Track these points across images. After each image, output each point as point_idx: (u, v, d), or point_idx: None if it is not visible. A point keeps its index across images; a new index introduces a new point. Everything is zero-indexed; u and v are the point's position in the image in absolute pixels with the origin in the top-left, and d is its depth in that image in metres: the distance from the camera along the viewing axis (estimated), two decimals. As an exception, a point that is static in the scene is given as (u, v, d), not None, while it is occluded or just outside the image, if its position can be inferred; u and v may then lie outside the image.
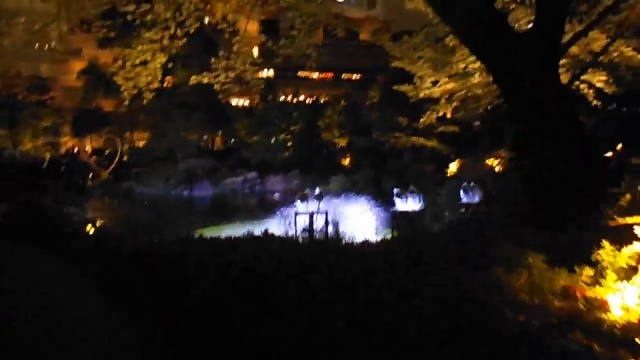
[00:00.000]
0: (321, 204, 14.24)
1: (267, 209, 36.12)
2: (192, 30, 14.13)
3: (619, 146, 19.16)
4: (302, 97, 64.98)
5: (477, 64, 21.97)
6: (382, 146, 34.40)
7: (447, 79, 24.43)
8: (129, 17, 13.33)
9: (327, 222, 14.15)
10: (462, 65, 21.73)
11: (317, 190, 14.95)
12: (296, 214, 14.31)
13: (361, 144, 35.74)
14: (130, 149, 57.43)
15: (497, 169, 24.71)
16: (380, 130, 33.67)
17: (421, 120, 31.92)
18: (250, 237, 9.20)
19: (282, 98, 66.38)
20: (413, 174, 31.22)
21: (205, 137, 58.14)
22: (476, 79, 22.39)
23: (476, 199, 15.53)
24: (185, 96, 54.25)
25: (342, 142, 48.13)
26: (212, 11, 14.85)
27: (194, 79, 15.61)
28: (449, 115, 29.74)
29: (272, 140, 54.09)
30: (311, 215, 14.26)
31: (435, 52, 23.08)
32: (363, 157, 36.97)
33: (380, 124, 34.36)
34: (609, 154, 19.52)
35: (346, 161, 47.35)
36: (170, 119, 50.75)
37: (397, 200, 14.70)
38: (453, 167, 30.83)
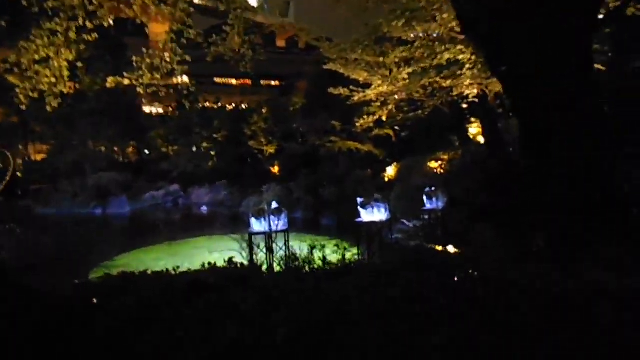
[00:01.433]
0: (281, 221, 12.29)
1: (196, 225, 33.12)
2: (105, 23, 11.66)
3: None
4: (220, 104, 61.86)
5: (411, 69, 21.67)
6: (317, 152, 33.08)
7: (380, 81, 23.80)
8: (24, 2, 10.54)
9: (287, 243, 12.26)
10: (397, 69, 21.26)
11: (275, 204, 12.97)
12: (251, 234, 12.23)
13: (294, 150, 34.13)
14: (26, 163, 50.42)
15: (438, 171, 24.42)
16: (315, 135, 32.38)
17: (358, 123, 31.19)
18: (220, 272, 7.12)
19: (201, 105, 62.68)
20: (352, 181, 30.19)
21: (116, 148, 52.73)
22: (413, 82, 21.96)
23: (440, 205, 14.52)
24: (92, 103, 48.81)
25: (270, 149, 46.11)
26: (121, 9, 12.43)
27: (111, 81, 12.84)
28: (384, 119, 29.18)
29: (194, 149, 50.49)
30: (270, 235, 12.27)
31: (373, 53, 22.37)
32: (296, 164, 35.33)
33: (313, 129, 33.08)
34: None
35: (275, 169, 45.46)
36: (74, 128, 45.14)
37: (362, 211, 13.18)
38: (390, 171, 30.34)
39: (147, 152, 58.47)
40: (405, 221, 19.82)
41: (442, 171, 23.79)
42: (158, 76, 13.07)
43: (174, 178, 44.99)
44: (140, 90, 13.14)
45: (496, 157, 20.20)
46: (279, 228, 12.37)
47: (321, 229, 27.07)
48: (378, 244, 13.64)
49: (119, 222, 34.14)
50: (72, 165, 40.24)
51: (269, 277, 8.46)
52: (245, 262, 9.64)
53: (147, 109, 75.27)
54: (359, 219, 13.64)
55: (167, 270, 7.45)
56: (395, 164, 30.22)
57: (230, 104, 59.36)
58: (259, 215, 12.29)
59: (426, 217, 15.20)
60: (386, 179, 30.03)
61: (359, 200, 13.52)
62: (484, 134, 21.79)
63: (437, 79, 20.73)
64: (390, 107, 28.85)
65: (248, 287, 5.99)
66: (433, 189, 14.76)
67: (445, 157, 24.58)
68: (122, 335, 3.45)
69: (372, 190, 28.98)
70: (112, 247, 25.08)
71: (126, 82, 12.72)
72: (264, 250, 12.53)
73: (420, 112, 27.54)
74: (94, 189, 37.00)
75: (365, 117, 29.78)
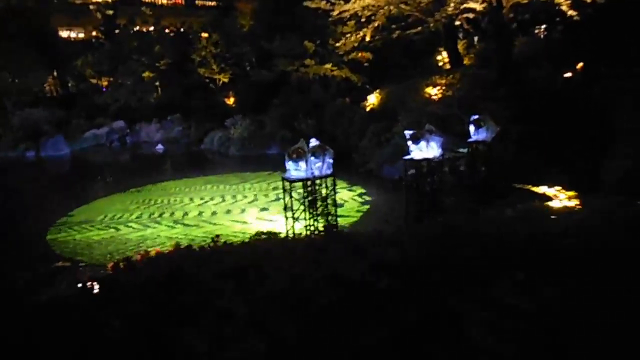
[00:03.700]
0: (325, 163, 9.63)
1: (153, 165, 28.94)
2: None
3: (580, 65, 17.92)
4: (157, 27, 54.23)
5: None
6: (287, 78, 29.49)
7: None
8: None
9: (334, 192, 9.81)
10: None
11: (314, 141, 10.20)
12: (290, 180, 9.57)
13: (261, 77, 30.18)
14: None
15: (437, 97, 22.33)
16: (285, 59, 28.49)
17: (339, 44, 27.79)
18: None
19: (136, 28, 54.57)
20: (330, 111, 27.43)
21: (44, 79, 44.98)
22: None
23: (488, 136, 12.48)
24: (-2, 25, 40.51)
25: (224, 78, 41.50)
26: None
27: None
28: (368, 38, 26.13)
29: (129, 82, 43.98)
30: (313, 181, 9.68)
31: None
32: (261, 93, 31.61)
33: (282, 52, 29.06)
34: (569, 74, 18.21)
35: (231, 100, 41.28)
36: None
37: (411, 146, 10.82)
38: (373, 99, 27.84)
39: (70, 84, 50.81)
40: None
41: (439, 96, 21.70)
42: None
43: (113, 113, 39.44)
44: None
45: (508, 82, 18.37)
46: (323, 172, 9.76)
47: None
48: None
49: (58, 167, 29.29)
50: (-12, 101, 33.53)
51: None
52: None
53: (64, 34, 65.19)
54: (408, 156, 11.28)
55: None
56: (378, 91, 27.67)
57: (170, 26, 52.12)
58: (298, 156, 9.54)
59: (466, 150, 13.09)
60: (367, 108, 27.58)
61: (408, 132, 11.08)
62: (496, 54, 19.67)
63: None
64: (377, 23, 25.76)
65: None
66: (478, 117, 12.56)
67: (442, 81, 22.38)
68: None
69: (352, 121, 26.59)
70: (61, 199, 21.05)
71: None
72: (302, 201, 9.97)
73: (408, 31, 24.79)
74: (21, 129, 31.25)
75: (348, 36, 26.51)
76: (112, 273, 6.20)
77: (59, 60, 49.03)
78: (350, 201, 17.25)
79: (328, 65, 28.39)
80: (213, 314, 3.74)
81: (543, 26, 24.43)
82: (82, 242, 14.46)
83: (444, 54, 29.26)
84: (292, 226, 9.85)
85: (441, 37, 27.41)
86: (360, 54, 28.76)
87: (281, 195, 19.68)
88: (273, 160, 27.48)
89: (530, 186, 10.45)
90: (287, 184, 10.05)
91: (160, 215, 16.89)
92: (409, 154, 11.09)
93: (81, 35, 66.39)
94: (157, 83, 42.91)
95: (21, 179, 25.41)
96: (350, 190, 18.65)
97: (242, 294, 4.07)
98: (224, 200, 18.42)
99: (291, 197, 9.83)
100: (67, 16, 63.64)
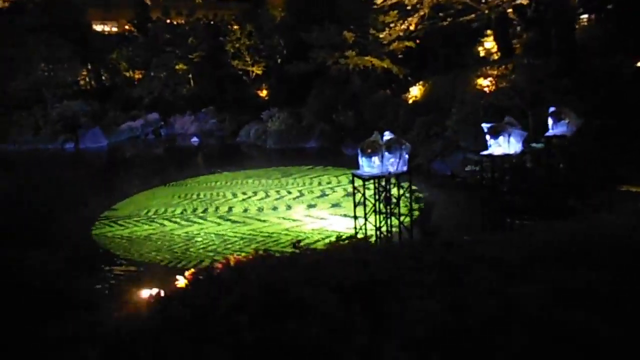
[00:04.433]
0: (401, 159, 8.76)
1: (190, 158, 28.60)
2: None
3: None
4: (184, 19, 53.99)
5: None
6: (326, 70, 28.62)
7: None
8: None
9: (410, 191, 8.95)
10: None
11: (388, 135, 9.33)
12: (363, 178, 8.73)
13: (299, 69, 29.39)
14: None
15: (489, 89, 21.13)
16: (324, 51, 27.58)
17: (382, 34, 26.72)
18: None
19: (169, 21, 54.55)
20: (370, 103, 26.46)
21: (80, 72, 45.23)
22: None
23: (569, 130, 11.31)
24: (33, 17, 40.79)
25: (257, 70, 40.93)
26: None
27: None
28: (412, 27, 25.03)
29: (163, 74, 43.80)
30: (388, 179, 8.84)
31: None
32: (296, 86, 30.83)
33: (322, 43, 28.10)
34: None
35: (263, 92, 40.73)
36: (19, 47, 37.57)
37: (490, 141, 9.83)
38: (415, 91, 26.74)
39: (104, 77, 51.11)
40: (472, 155, 16.70)
41: (492, 88, 20.46)
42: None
43: (147, 105, 39.37)
44: None
45: (571, 73, 17.05)
46: (399, 169, 8.91)
47: (344, 160, 23.67)
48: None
49: (97, 159, 29.28)
50: (28, 93, 33.75)
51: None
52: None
53: (99, 28, 65.95)
54: (486, 152, 10.30)
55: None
56: (420, 82, 26.53)
57: (203, 18, 51.77)
58: (372, 151, 8.70)
59: (539, 144, 11.99)
60: (410, 101, 26.50)
61: (486, 125, 10.07)
62: (555, 41, 18.33)
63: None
64: (423, 12, 24.58)
65: None
66: (556, 109, 11.43)
67: (494, 72, 21.11)
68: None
69: (397, 114, 25.53)
70: (103, 192, 20.81)
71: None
72: (376, 199, 9.13)
73: (460, 19, 23.53)
74: (60, 121, 31.37)
75: (392, 25, 25.41)
76: (191, 289, 5.51)
77: (93, 54, 49.37)
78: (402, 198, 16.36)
79: (369, 57, 27.33)
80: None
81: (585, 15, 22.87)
82: (129, 238, 14.05)
83: (487, 44, 27.83)
84: (363, 227, 9.04)
85: (481, 28, 26.05)
86: (403, 45, 27.56)
87: (327, 192, 19.16)
88: (312, 154, 26.78)
89: (629, 186, 9.34)
90: (358, 181, 9.23)
91: (205, 211, 16.37)
92: (487, 148, 10.12)
93: (115, 29, 67.00)
94: (190, 75, 42.66)
95: (63, 171, 25.43)
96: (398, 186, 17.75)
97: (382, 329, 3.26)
98: (268, 196, 17.79)
99: (364, 196, 8.99)
100: (100, 10, 64.30)
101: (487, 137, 10.05)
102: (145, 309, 5.70)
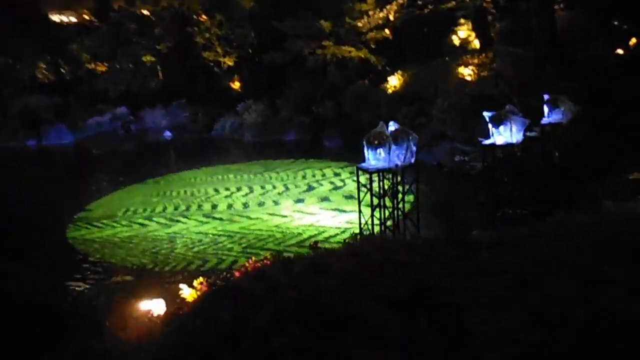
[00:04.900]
0: (408, 151, 8.34)
1: (165, 153, 27.29)
2: None
3: (633, 41, 16.67)
4: (149, 9, 51.61)
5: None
6: (301, 60, 27.91)
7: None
8: None
9: (416, 183, 8.58)
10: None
11: (393, 125, 8.87)
12: (369, 171, 8.29)
13: (274, 59, 28.50)
14: None
15: (469, 78, 20.98)
16: (300, 40, 26.77)
17: (360, 23, 26.17)
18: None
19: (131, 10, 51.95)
20: (350, 94, 25.99)
21: (38, 65, 42.67)
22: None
23: (564, 117, 11.22)
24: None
25: (228, 62, 39.68)
26: None
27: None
28: (392, 16, 24.69)
29: (130, 65, 41.96)
30: (394, 172, 8.42)
31: None
32: (274, 77, 30.01)
33: (298, 32, 27.28)
34: (620, 50, 16.97)
35: (236, 85, 39.60)
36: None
37: (492, 130, 9.55)
38: (395, 81, 26.42)
39: (64, 69, 48.49)
40: (459, 144, 16.54)
41: (474, 77, 20.39)
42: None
43: (115, 99, 37.57)
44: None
45: (552, 60, 17.11)
46: (406, 161, 8.49)
47: (326, 152, 23.17)
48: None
49: (63, 157, 27.61)
50: (-18, 88, 31.51)
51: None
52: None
53: (56, 18, 62.56)
54: (487, 140, 10.03)
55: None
56: (399, 72, 26.25)
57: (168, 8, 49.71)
58: (378, 142, 8.24)
59: (533, 132, 11.80)
60: (389, 91, 26.20)
61: (487, 114, 9.79)
62: (536, 30, 18.33)
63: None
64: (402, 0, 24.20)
65: None
66: (552, 97, 11.29)
67: (475, 61, 21.04)
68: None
69: (378, 104, 25.14)
70: (74, 192, 19.47)
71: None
72: (381, 193, 8.69)
73: (433, 7, 23.28)
74: (20, 116, 29.46)
75: (371, 13, 24.94)
76: (207, 301, 4.88)
77: (52, 45, 46.76)
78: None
79: (347, 47, 26.80)
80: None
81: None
82: (108, 241, 13.14)
83: (461, 33, 27.72)
84: (367, 223, 8.59)
85: (455, 18, 25.88)
86: (380, 34, 27.16)
87: (314, 185, 18.60)
88: (292, 147, 26.07)
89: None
90: (363, 175, 8.74)
91: (188, 209, 15.57)
92: (488, 137, 9.83)
93: (73, 19, 63.70)
94: (159, 67, 40.98)
95: (27, 170, 23.89)
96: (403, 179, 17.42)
97: None
98: (252, 191, 17.12)
99: (370, 190, 8.51)
100: (58, -1, 60.91)
101: (490, 126, 9.75)
102: (156, 329, 5.04)
